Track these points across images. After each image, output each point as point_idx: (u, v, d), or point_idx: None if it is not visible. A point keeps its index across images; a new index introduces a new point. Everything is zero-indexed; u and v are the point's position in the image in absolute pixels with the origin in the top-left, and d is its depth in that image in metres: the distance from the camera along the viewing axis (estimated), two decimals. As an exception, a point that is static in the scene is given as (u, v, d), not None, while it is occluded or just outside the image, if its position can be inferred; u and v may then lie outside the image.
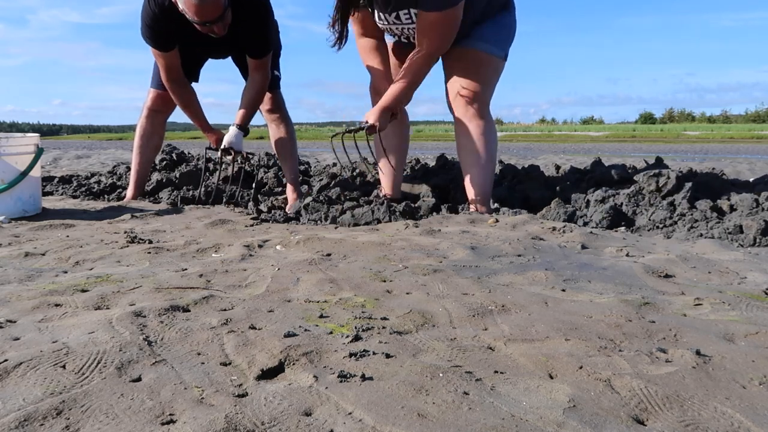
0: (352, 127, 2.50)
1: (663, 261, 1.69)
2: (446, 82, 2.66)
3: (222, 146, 2.83)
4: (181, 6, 2.52)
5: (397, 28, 2.57)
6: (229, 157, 2.76)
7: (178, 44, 2.81)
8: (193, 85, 3.14)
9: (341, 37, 2.60)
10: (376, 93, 2.72)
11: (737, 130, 32.75)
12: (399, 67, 2.68)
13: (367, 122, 2.43)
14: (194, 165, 4.07)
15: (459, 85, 2.56)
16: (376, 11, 2.53)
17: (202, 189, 3.18)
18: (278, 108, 3.09)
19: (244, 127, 2.87)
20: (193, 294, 1.33)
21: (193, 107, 3.02)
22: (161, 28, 2.70)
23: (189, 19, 2.55)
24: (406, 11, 2.46)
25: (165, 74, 2.88)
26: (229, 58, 3.13)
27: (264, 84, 2.88)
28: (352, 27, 2.69)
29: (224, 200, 3.08)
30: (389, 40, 2.82)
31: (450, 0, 2.31)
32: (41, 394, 0.82)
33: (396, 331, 1.10)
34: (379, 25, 2.59)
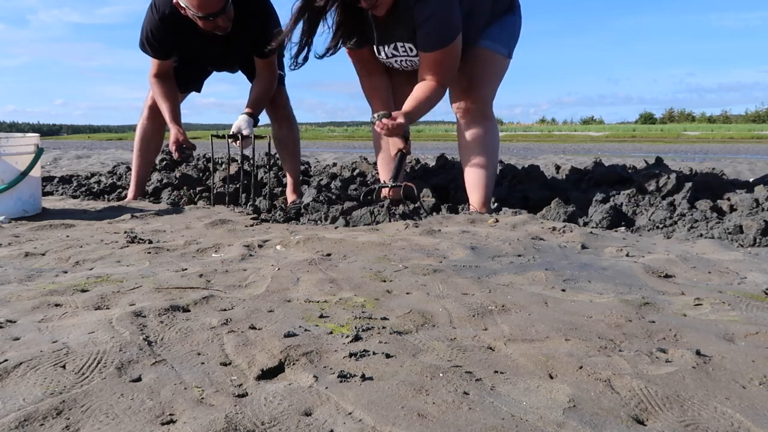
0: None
1: (663, 261, 1.69)
2: None
3: (231, 131, 2.74)
4: (183, 2, 2.52)
5: (396, 61, 2.56)
6: (239, 142, 2.71)
7: (182, 56, 2.82)
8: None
9: (302, 48, 2.39)
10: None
11: (737, 130, 32.74)
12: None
13: (402, 151, 2.51)
14: (193, 165, 4.07)
15: (462, 83, 2.55)
16: (375, 46, 2.53)
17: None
18: (282, 107, 3.07)
19: (253, 115, 2.80)
20: (193, 294, 1.33)
21: (172, 100, 2.86)
22: (162, 37, 2.71)
23: (192, 16, 2.54)
24: (402, 44, 2.46)
25: (154, 72, 2.86)
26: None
27: (272, 80, 2.89)
28: (354, 65, 2.67)
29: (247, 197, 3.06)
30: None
31: (446, 37, 2.31)
32: (41, 394, 0.82)
33: (396, 331, 1.10)
34: (381, 60, 2.59)
